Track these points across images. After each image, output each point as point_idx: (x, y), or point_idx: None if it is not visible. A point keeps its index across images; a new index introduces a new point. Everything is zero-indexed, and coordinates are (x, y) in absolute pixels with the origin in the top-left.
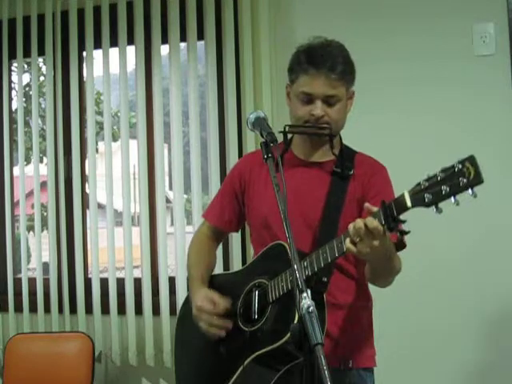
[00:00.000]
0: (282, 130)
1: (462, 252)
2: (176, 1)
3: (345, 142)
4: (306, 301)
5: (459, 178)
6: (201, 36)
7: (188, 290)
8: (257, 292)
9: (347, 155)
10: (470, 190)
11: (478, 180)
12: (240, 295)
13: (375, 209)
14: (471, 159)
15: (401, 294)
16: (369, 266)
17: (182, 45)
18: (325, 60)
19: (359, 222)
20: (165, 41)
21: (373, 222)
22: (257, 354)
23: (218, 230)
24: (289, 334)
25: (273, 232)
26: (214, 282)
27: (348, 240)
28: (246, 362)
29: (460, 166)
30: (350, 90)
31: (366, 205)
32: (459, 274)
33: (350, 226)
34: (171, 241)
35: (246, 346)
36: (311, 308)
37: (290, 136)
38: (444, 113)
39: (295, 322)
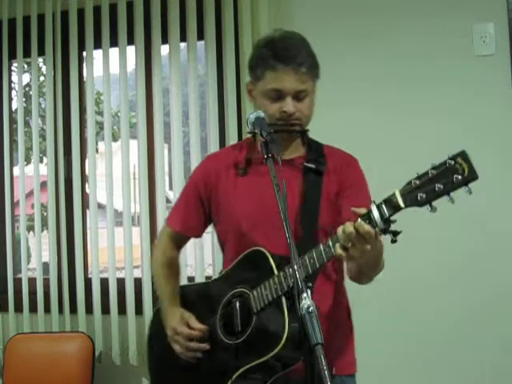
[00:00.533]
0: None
1: (460, 253)
2: (176, 1)
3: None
4: (306, 301)
5: (453, 175)
6: (201, 36)
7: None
8: (238, 302)
9: (316, 149)
10: (464, 187)
11: (472, 176)
12: (218, 306)
13: (363, 211)
14: (463, 154)
15: (391, 297)
16: (354, 266)
17: (182, 45)
18: (293, 55)
19: (349, 227)
20: (165, 41)
21: (364, 226)
22: (246, 367)
23: (181, 237)
24: (280, 346)
25: (250, 237)
26: (186, 294)
27: (338, 245)
28: (234, 377)
29: (452, 162)
30: (316, 83)
31: (353, 209)
32: (456, 276)
33: (339, 230)
34: None
35: (231, 360)
36: (311, 308)
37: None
38: (444, 113)
39: (285, 332)
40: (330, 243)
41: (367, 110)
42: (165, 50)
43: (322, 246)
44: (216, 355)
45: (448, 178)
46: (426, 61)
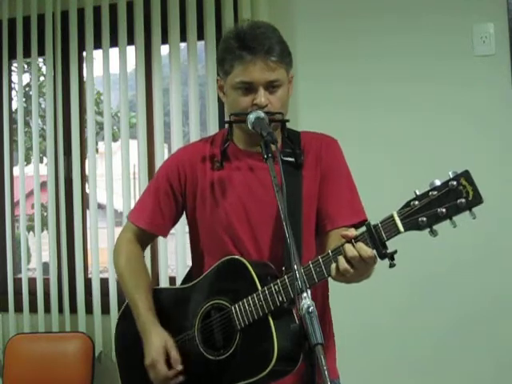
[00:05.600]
0: (228, 120)
1: (459, 252)
2: (176, 1)
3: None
4: (306, 301)
5: (456, 199)
6: (201, 36)
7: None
8: (218, 316)
9: (293, 140)
10: (468, 211)
11: (477, 200)
12: (195, 317)
13: (354, 233)
14: (466, 175)
15: (391, 298)
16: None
17: (182, 45)
18: (260, 43)
19: (352, 250)
20: (165, 41)
21: (367, 251)
22: None
23: (147, 235)
24: (270, 367)
25: (236, 237)
26: (159, 300)
27: (334, 268)
28: None
29: (454, 184)
30: (290, 72)
31: (344, 232)
32: (456, 276)
33: (332, 252)
34: (171, 241)
35: (213, 376)
36: (311, 308)
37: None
38: (444, 113)
39: (275, 352)
40: (322, 264)
41: (367, 109)
42: (165, 50)
43: (311, 265)
44: (195, 369)
45: (451, 201)
46: (427, 61)
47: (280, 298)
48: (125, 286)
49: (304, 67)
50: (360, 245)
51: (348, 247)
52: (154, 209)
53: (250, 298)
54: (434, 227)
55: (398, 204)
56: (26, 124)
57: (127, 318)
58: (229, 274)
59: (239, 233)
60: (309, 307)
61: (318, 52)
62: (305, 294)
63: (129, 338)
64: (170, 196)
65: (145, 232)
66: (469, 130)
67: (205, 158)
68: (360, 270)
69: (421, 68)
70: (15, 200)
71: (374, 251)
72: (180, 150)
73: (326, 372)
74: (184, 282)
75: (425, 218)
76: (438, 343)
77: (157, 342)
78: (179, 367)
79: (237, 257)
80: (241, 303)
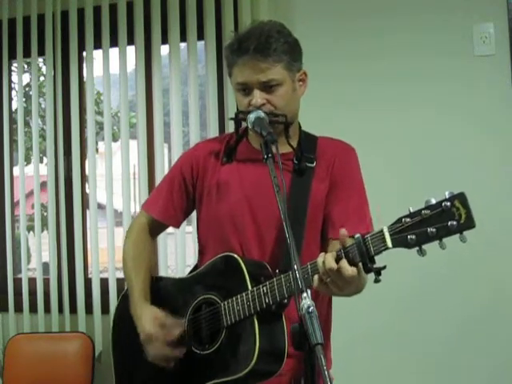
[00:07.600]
0: (233, 116)
1: (458, 252)
2: (176, 1)
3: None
4: (306, 301)
5: (448, 221)
6: (201, 36)
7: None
8: (208, 311)
9: (308, 144)
10: (459, 234)
11: (469, 224)
12: (187, 309)
13: (348, 241)
14: (461, 197)
15: (390, 300)
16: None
17: (182, 45)
18: (251, 44)
19: (330, 262)
20: (165, 41)
21: (347, 269)
22: (213, 382)
23: (159, 224)
24: (250, 367)
25: (241, 233)
26: (157, 287)
27: (317, 278)
28: None
29: (448, 205)
30: (295, 70)
31: (334, 242)
32: (456, 278)
33: (319, 261)
34: (171, 241)
35: (196, 370)
36: (311, 308)
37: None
38: (444, 113)
39: (256, 352)
40: (310, 272)
41: (366, 109)
42: (165, 50)
43: (300, 271)
44: (180, 361)
45: (442, 222)
46: (427, 61)
47: (267, 300)
48: (125, 272)
49: (304, 67)
50: (341, 263)
51: (328, 258)
52: (167, 199)
53: (239, 296)
54: (424, 247)
55: (397, 203)
56: (26, 124)
57: (125, 300)
58: (223, 270)
59: (244, 229)
60: (309, 307)
61: (318, 52)
62: (304, 294)
63: (125, 334)
64: (183, 188)
65: (156, 221)
66: (469, 129)
67: (218, 154)
68: (338, 283)
69: (421, 68)
70: (15, 200)
71: (360, 264)
72: (198, 145)
73: (326, 372)
74: (189, 273)
75: (414, 236)
76: (439, 344)
77: (147, 316)
78: (179, 326)
79: (232, 254)
80: (230, 301)
